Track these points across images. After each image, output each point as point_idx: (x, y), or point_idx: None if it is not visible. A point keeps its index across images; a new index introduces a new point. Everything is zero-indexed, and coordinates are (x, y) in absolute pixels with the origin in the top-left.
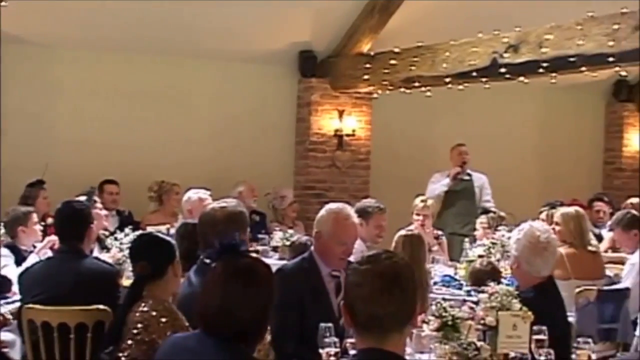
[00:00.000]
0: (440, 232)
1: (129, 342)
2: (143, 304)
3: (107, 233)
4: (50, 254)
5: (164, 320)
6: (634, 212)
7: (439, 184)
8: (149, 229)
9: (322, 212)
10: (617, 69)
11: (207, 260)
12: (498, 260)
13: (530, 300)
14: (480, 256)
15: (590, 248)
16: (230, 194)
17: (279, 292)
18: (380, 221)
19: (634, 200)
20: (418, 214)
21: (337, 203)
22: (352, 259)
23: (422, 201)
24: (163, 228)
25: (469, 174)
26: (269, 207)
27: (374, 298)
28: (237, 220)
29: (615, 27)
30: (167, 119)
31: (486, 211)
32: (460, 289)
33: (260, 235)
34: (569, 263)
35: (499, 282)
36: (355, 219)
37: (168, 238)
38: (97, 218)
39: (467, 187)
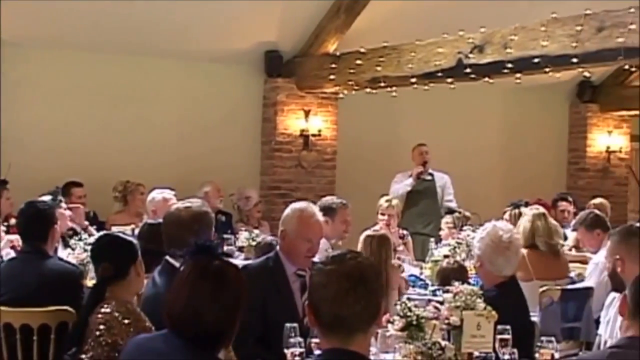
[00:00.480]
0: (405, 232)
1: (92, 343)
2: (105, 305)
3: (71, 233)
4: (13, 254)
5: (126, 321)
6: (597, 212)
7: (402, 184)
8: (114, 229)
9: (287, 211)
10: (580, 69)
11: (172, 261)
12: (463, 260)
13: (494, 300)
14: (445, 256)
15: (553, 248)
16: (197, 194)
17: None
18: (346, 216)
19: (597, 200)
20: (383, 214)
21: (301, 202)
22: (316, 258)
23: (387, 201)
24: (128, 228)
25: (431, 174)
26: (234, 207)
27: (339, 299)
28: (203, 220)
29: (579, 28)
30: (132, 119)
31: (451, 211)
32: (425, 288)
33: (225, 236)
34: (530, 264)
35: (466, 281)
36: (320, 217)
37: (130, 238)
38: (61, 218)
39: (429, 187)
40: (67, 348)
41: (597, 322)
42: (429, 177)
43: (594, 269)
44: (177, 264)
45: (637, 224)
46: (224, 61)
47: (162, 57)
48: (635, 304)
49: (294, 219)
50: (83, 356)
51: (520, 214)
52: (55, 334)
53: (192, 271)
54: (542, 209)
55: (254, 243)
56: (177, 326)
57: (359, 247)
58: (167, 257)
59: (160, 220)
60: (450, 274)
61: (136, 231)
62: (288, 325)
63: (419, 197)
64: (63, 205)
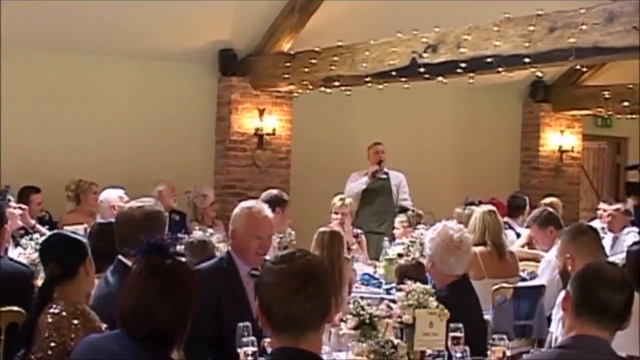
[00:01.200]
0: (359, 231)
1: (41, 344)
2: (54, 306)
3: (22, 232)
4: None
5: (75, 322)
6: (550, 209)
7: (357, 183)
8: (66, 228)
9: (236, 209)
10: (532, 69)
11: (125, 260)
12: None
13: (446, 299)
14: (399, 255)
15: (503, 246)
16: (150, 194)
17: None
18: (291, 211)
19: (548, 199)
20: (337, 213)
21: (250, 200)
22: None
23: (341, 200)
24: (80, 228)
25: (386, 173)
26: (189, 205)
27: (290, 298)
28: (156, 219)
29: (531, 28)
30: (85, 118)
31: (404, 209)
32: (379, 287)
33: (179, 235)
34: (482, 262)
35: (424, 279)
36: (269, 213)
37: (79, 237)
38: (11, 218)
39: (384, 186)
40: (16, 349)
41: (549, 319)
42: (384, 176)
43: (545, 266)
44: (129, 263)
45: (587, 223)
46: (178, 60)
47: (116, 55)
48: (578, 300)
49: (242, 217)
50: (32, 357)
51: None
52: (5, 335)
53: (143, 270)
54: (491, 207)
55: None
56: (129, 325)
57: (313, 245)
58: (120, 257)
59: (112, 219)
60: (408, 271)
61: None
62: (241, 324)
63: (374, 195)
64: (12, 204)
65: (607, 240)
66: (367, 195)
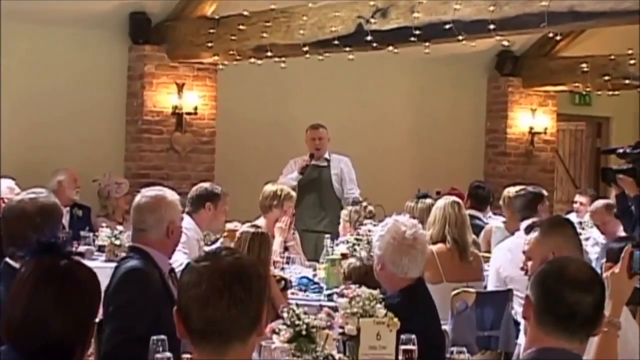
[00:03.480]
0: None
1: None
2: None
3: None
4: None
5: None
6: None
7: (287, 178)
8: None
9: (142, 199)
10: (498, 38)
11: (13, 263)
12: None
13: (397, 306)
14: (343, 255)
15: (465, 244)
16: (48, 184)
17: (134, 293)
18: (226, 205)
19: (512, 189)
20: (269, 207)
21: (153, 187)
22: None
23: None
24: None
25: (327, 159)
26: (99, 196)
27: (211, 299)
28: (50, 213)
29: None
30: None
31: (355, 202)
32: (319, 292)
33: (83, 233)
34: (440, 263)
35: (374, 283)
36: (176, 197)
37: None
38: None
39: (324, 176)
40: None
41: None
42: (324, 163)
43: (494, 255)
44: (18, 266)
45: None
46: (81, 25)
47: (8, 19)
48: (541, 306)
49: None
50: None
51: (429, 208)
52: None
53: (33, 273)
54: (456, 199)
55: (117, 242)
56: (18, 339)
57: (234, 244)
58: (7, 259)
59: None
60: (362, 271)
61: None
62: (154, 337)
63: (311, 188)
64: None
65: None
66: (304, 187)
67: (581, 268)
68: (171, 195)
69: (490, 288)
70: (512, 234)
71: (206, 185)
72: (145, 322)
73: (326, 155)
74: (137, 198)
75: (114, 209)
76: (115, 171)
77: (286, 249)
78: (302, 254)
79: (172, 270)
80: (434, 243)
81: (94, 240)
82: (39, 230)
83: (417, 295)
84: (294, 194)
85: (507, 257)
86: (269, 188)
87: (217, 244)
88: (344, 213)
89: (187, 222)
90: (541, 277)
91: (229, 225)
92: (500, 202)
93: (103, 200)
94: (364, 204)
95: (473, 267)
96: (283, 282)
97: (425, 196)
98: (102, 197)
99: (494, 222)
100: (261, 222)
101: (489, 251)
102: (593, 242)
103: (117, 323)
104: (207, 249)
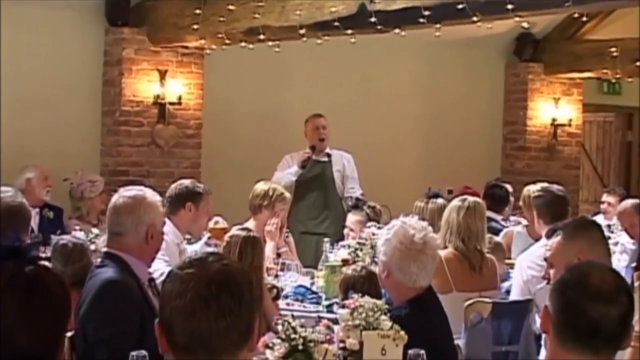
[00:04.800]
0: (285, 230)
1: None
2: None
3: None
4: None
5: None
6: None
7: (285, 172)
8: None
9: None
10: (517, 19)
11: None
12: (369, 265)
13: (405, 318)
14: (344, 261)
15: (480, 250)
16: (15, 183)
17: (117, 306)
18: (209, 205)
19: (533, 187)
20: (260, 207)
21: (133, 187)
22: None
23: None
24: None
25: (328, 154)
26: (72, 195)
27: (197, 310)
28: (17, 215)
29: None
30: None
31: (358, 205)
32: (318, 303)
33: (54, 237)
34: (449, 270)
35: (377, 294)
36: (157, 198)
37: None
38: None
39: (325, 172)
40: None
41: (539, 340)
42: (325, 159)
43: (516, 267)
44: None
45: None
46: (51, 5)
47: None
48: (560, 320)
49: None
50: None
51: (440, 208)
52: None
53: None
54: (476, 199)
55: (92, 247)
56: None
57: (222, 247)
58: None
59: None
60: (358, 283)
61: None
62: (134, 353)
63: (311, 186)
64: None
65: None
66: (303, 185)
67: (605, 276)
68: (152, 195)
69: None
70: (537, 240)
71: (186, 182)
72: (130, 338)
73: (327, 150)
74: (114, 198)
75: (88, 210)
76: (89, 168)
77: (278, 255)
78: (298, 259)
79: (151, 279)
80: (443, 248)
81: None
82: (2, 233)
83: (427, 306)
84: (287, 195)
85: (535, 268)
86: (261, 187)
87: (201, 244)
88: (356, 217)
89: (166, 226)
90: (560, 287)
91: (211, 223)
92: (520, 203)
93: (76, 201)
94: (371, 204)
95: (487, 274)
96: (275, 291)
97: (437, 196)
98: (75, 197)
99: (515, 225)
100: (251, 224)
101: (509, 258)
102: (621, 248)
103: (102, 345)
104: (190, 248)
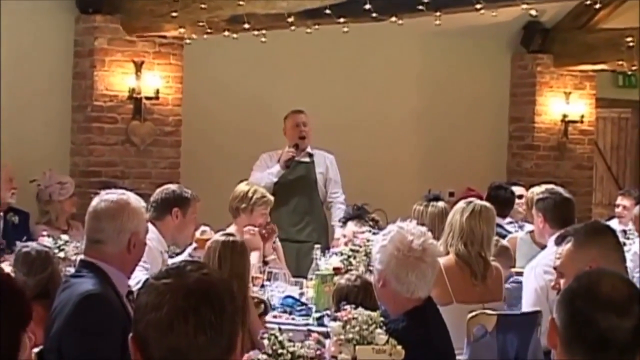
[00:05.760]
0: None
1: None
2: None
3: None
4: None
5: None
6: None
7: (265, 173)
8: None
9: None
10: (525, 6)
11: None
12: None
13: (402, 332)
14: (335, 269)
15: (484, 258)
16: None
17: (98, 321)
18: (196, 212)
19: (538, 189)
20: (241, 210)
21: (113, 191)
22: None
23: (247, 185)
24: None
25: (310, 154)
26: (39, 199)
27: (174, 324)
28: None
29: None
30: None
31: (359, 214)
32: (307, 315)
33: (20, 243)
34: (449, 280)
35: (373, 306)
36: (142, 204)
37: None
38: None
39: (308, 174)
40: None
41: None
42: (307, 159)
43: (529, 274)
44: None
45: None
46: None
47: None
48: (568, 332)
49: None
50: None
51: (441, 213)
52: None
53: None
54: (485, 203)
55: (61, 254)
56: None
57: (204, 256)
58: None
59: None
60: (352, 294)
61: None
62: None
63: (294, 188)
64: None
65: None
66: (284, 187)
67: (616, 284)
68: (136, 201)
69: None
70: (542, 247)
71: (174, 187)
72: (112, 355)
73: (308, 149)
74: (94, 202)
75: (57, 214)
76: (58, 168)
77: (266, 262)
78: (287, 268)
79: (130, 292)
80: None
81: None
82: None
83: (426, 318)
84: (270, 197)
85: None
86: (241, 188)
87: (185, 255)
88: (352, 228)
89: (150, 231)
90: (568, 297)
91: (198, 233)
92: (524, 206)
93: (43, 205)
94: (371, 215)
95: (491, 284)
96: (263, 306)
97: (437, 198)
98: (42, 201)
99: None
100: (232, 229)
101: (512, 266)
102: (634, 255)
103: None
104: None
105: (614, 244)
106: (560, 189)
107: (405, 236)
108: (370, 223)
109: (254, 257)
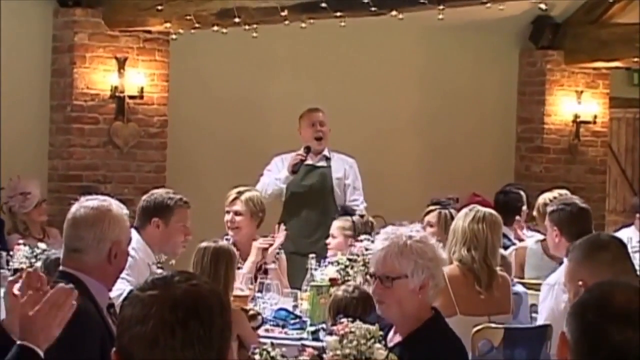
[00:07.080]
0: (277, 249)
1: None
2: None
3: None
4: None
5: None
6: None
7: (272, 179)
8: None
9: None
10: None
11: None
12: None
13: (405, 347)
14: (332, 280)
15: (490, 267)
16: None
17: (76, 335)
18: (185, 220)
19: (549, 195)
20: (228, 212)
21: (94, 197)
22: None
23: (238, 193)
24: None
25: (326, 158)
26: (4, 210)
27: (161, 338)
28: None
29: None
30: None
31: (347, 212)
32: (302, 329)
33: None
34: (452, 290)
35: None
36: (124, 211)
37: None
38: None
39: (323, 180)
40: None
41: None
42: (323, 163)
43: (547, 292)
44: None
45: (611, 233)
46: None
47: None
48: (579, 347)
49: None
50: None
51: (451, 217)
52: None
53: None
54: (490, 210)
55: (38, 263)
56: None
57: (192, 263)
58: None
59: None
60: (350, 307)
61: None
62: None
63: (308, 195)
64: None
65: None
66: (296, 194)
67: (630, 295)
68: (118, 208)
69: None
70: (551, 257)
71: (157, 193)
72: None
73: (326, 152)
74: (73, 208)
75: (26, 224)
76: (36, 172)
77: (265, 271)
78: (286, 280)
79: (111, 305)
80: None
81: (7, 262)
82: None
83: (430, 331)
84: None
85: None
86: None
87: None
88: (340, 223)
89: (135, 240)
90: (578, 310)
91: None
92: (535, 213)
93: (10, 215)
94: (360, 214)
95: (498, 295)
96: (260, 319)
97: (439, 203)
98: (7, 212)
99: (528, 240)
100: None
101: (522, 277)
102: None
103: None
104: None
105: (609, 261)
106: (575, 198)
107: (404, 232)
108: (354, 219)
109: (246, 267)
